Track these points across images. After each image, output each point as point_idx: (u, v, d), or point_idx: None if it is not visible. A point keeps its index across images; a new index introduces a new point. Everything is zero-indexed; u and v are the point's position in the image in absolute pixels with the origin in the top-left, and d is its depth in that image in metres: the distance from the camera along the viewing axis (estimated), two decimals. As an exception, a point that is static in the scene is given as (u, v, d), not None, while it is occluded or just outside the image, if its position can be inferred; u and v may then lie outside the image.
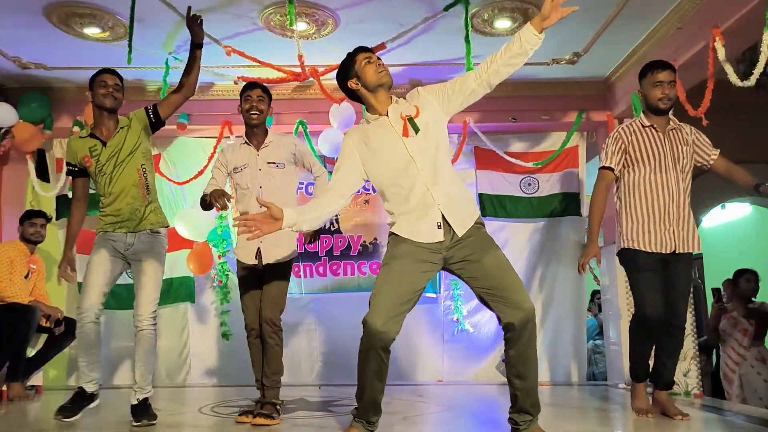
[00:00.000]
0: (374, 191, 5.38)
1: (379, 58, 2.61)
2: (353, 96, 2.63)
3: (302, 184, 5.34)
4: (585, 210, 5.37)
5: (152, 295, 3.09)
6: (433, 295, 5.26)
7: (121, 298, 5.23)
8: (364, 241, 5.34)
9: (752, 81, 3.38)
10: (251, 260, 3.22)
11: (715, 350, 5.44)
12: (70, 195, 4.98)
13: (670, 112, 3.17)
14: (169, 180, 5.30)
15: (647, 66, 3.15)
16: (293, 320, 5.33)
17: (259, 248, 3.20)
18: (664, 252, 3.06)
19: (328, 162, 5.31)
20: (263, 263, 3.21)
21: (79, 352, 3.08)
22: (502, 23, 4.21)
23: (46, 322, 4.34)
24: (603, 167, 3.20)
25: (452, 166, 2.64)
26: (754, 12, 3.39)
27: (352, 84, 2.57)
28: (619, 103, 5.04)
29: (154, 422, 3.03)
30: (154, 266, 3.11)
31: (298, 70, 4.25)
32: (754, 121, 5.48)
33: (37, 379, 4.62)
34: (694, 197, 3.23)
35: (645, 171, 3.09)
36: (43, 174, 5.21)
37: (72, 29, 4.20)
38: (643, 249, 3.07)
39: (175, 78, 4.63)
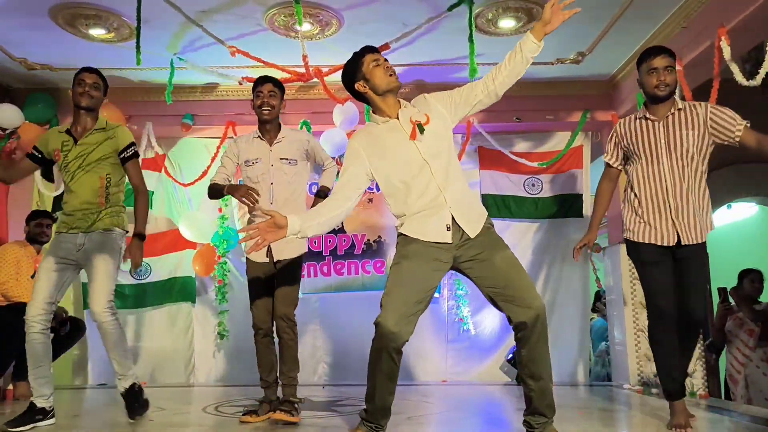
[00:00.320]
0: (378, 190, 5.39)
1: (386, 60, 2.58)
2: (360, 97, 2.59)
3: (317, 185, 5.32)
4: (588, 210, 5.36)
5: (104, 287, 2.99)
6: (437, 295, 5.26)
7: (123, 297, 5.27)
8: (368, 240, 5.34)
9: (758, 80, 3.36)
10: (262, 258, 3.22)
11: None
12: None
13: (673, 96, 2.98)
14: (175, 181, 5.32)
15: (642, 53, 3.02)
16: (297, 320, 5.34)
17: (269, 245, 3.21)
18: (665, 245, 2.93)
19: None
20: (274, 260, 3.21)
21: (29, 366, 2.98)
22: (507, 23, 4.20)
23: (51, 322, 4.35)
24: (605, 163, 3.21)
25: (462, 171, 2.64)
26: (759, 11, 3.38)
27: (359, 86, 2.53)
28: (624, 102, 5.02)
29: (147, 409, 3.06)
30: (104, 260, 3.01)
31: (302, 70, 4.26)
32: (760, 120, 5.43)
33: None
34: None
35: (639, 163, 3.00)
36: (48, 174, 5.24)
37: (78, 30, 4.22)
38: (643, 241, 2.97)
39: (177, 78, 4.68)
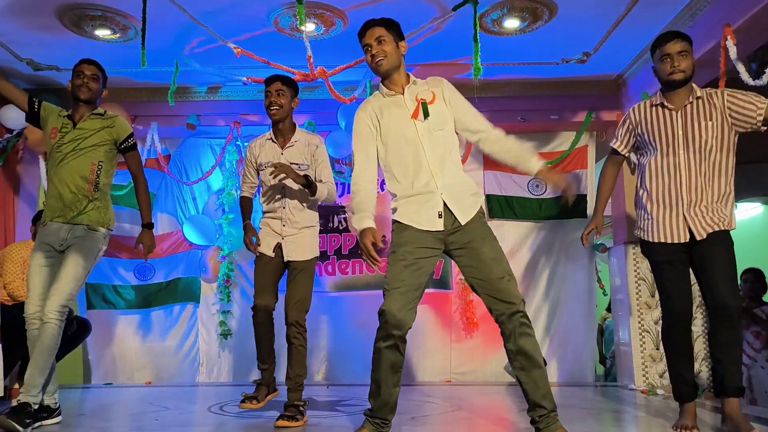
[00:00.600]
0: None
1: (380, 41, 2.58)
2: None
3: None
4: (592, 211, 5.35)
5: (65, 287, 2.91)
6: (447, 292, 5.26)
7: (128, 298, 5.29)
8: (380, 240, 5.33)
9: (765, 80, 3.35)
10: (269, 252, 3.23)
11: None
12: None
13: (691, 83, 2.82)
14: (179, 180, 5.34)
15: (655, 39, 2.87)
16: (302, 319, 5.37)
17: (279, 243, 3.21)
18: (676, 241, 2.78)
19: (335, 162, 5.33)
20: (285, 259, 3.21)
21: (29, 362, 2.90)
22: (512, 23, 4.19)
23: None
24: (611, 148, 3.06)
25: (460, 163, 2.66)
26: (766, 10, 3.36)
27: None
28: (629, 102, 5.00)
29: (21, 429, 2.68)
30: (75, 259, 2.96)
31: (307, 70, 4.26)
32: (767, 120, 5.41)
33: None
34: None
35: (654, 154, 2.83)
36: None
37: (84, 31, 4.24)
38: (653, 240, 2.83)
39: (183, 79, 4.69)
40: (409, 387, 4.74)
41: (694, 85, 2.83)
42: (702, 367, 4.62)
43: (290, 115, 3.26)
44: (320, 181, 3.27)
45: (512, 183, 5.38)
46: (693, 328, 4.70)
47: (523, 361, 2.43)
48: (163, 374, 5.29)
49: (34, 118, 3.14)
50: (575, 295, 5.28)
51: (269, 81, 3.23)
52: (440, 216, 2.48)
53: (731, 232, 2.77)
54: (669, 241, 2.79)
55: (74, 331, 4.45)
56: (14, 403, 2.85)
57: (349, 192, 5.37)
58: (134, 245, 3.19)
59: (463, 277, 5.11)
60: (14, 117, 4.97)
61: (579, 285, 5.29)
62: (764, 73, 3.32)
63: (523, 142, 2.62)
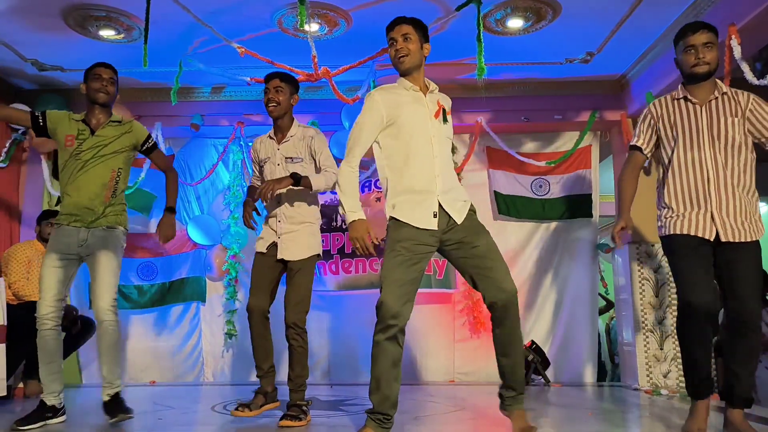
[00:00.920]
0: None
1: (406, 38, 2.62)
2: None
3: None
4: (596, 210, 5.34)
5: (109, 284, 2.99)
6: (450, 291, 5.25)
7: (131, 299, 5.30)
8: (376, 238, 5.34)
9: (769, 79, 3.33)
10: (263, 249, 3.22)
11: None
12: None
13: (714, 77, 2.71)
14: (182, 181, 5.35)
15: (679, 30, 2.73)
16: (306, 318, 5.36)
17: (275, 242, 3.21)
18: (703, 236, 2.60)
19: (339, 162, 5.33)
20: (278, 257, 3.19)
21: (40, 362, 2.98)
22: (515, 22, 4.19)
23: (63, 321, 4.39)
24: (631, 146, 2.85)
25: (454, 170, 2.80)
26: (770, 10, 3.35)
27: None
28: (633, 102, 5.00)
29: (130, 416, 2.96)
30: (108, 256, 3.02)
31: (311, 70, 4.27)
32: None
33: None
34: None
35: (676, 149, 2.68)
36: (57, 174, 5.29)
37: (88, 31, 4.26)
38: (676, 233, 2.64)
39: (186, 79, 4.71)
40: (413, 387, 4.75)
41: (718, 80, 2.73)
42: (672, 368, 4.63)
43: (289, 112, 3.27)
44: (324, 169, 3.20)
45: (516, 183, 5.38)
46: (661, 327, 4.75)
47: (506, 349, 2.58)
48: (167, 373, 5.30)
49: (42, 132, 3.13)
50: (578, 295, 5.28)
51: (268, 78, 3.26)
52: (435, 216, 2.57)
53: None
54: (692, 233, 2.62)
55: (79, 331, 4.48)
56: (105, 398, 2.97)
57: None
58: (154, 233, 3.20)
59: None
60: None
61: (582, 285, 5.28)
62: (769, 72, 3.30)
63: None
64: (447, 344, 5.28)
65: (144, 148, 3.20)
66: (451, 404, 3.92)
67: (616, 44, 4.48)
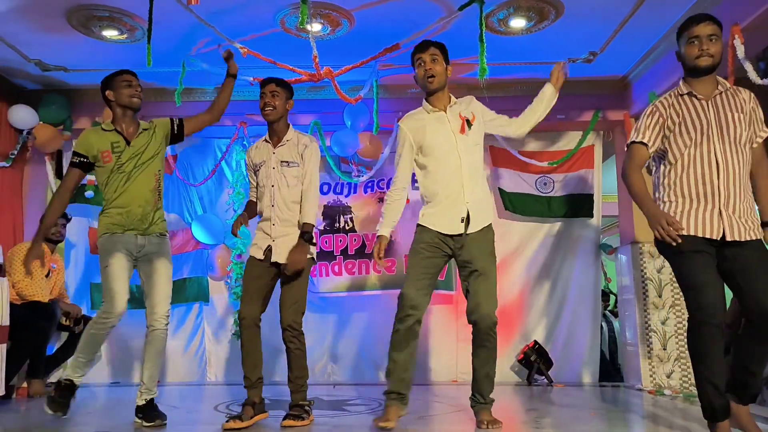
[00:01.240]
0: (388, 188, 5.37)
1: (434, 59, 2.98)
2: None
3: (329, 185, 5.35)
4: (598, 211, 5.33)
5: (167, 293, 3.11)
6: (451, 293, 5.25)
7: (133, 299, 5.30)
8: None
9: (772, 79, 3.32)
10: (259, 255, 3.20)
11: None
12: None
13: (715, 73, 2.64)
14: (185, 182, 5.36)
15: (683, 22, 2.66)
16: (308, 319, 5.34)
17: (270, 246, 3.19)
18: (709, 237, 2.51)
19: (342, 162, 5.34)
20: (272, 261, 3.17)
21: (83, 349, 3.08)
22: (518, 22, 4.19)
23: (66, 321, 4.41)
24: (634, 142, 2.70)
25: (485, 179, 3.16)
26: (774, 9, 3.34)
27: (414, 77, 3.07)
28: (636, 102, 4.99)
29: (165, 422, 3.02)
30: (166, 265, 3.13)
31: (314, 70, 4.27)
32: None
33: (56, 376, 4.70)
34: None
35: (684, 144, 2.59)
36: (61, 174, 5.30)
37: (91, 32, 4.26)
38: (682, 233, 2.52)
39: (189, 79, 4.72)
40: (416, 386, 4.71)
41: (719, 77, 2.67)
42: (675, 368, 4.64)
43: (285, 116, 3.28)
44: (305, 192, 3.21)
45: (520, 180, 5.37)
46: (664, 327, 4.75)
47: (477, 363, 2.99)
48: (171, 374, 5.30)
49: (91, 166, 3.13)
50: (580, 294, 5.27)
51: (264, 83, 3.27)
52: (462, 221, 2.94)
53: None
54: (700, 234, 2.52)
55: (81, 330, 4.48)
56: (141, 402, 3.03)
57: (355, 192, 5.39)
58: None
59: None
60: (21, 117, 5.01)
61: (584, 284, 5.27)
62: (772, 72, 3.29)
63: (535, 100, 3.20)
64: (450, 344, 5.27)
65: (176, 131, 3.21)
66: (453, 404, 3.91)
67: (618, 44, 4.47)
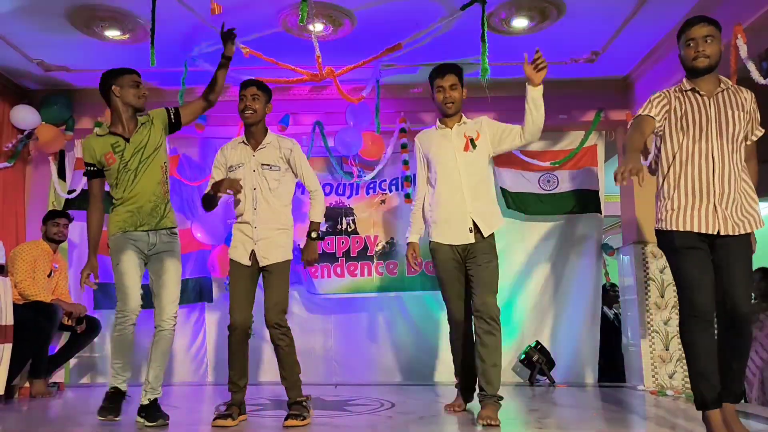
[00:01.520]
0: (390, 191, 5.40)
1: (453, 87, 3.28)
2: None
3: (330, 186, 5.36)
4: (603, 209, 5.32)
5: (176, 294, 3.10)
6: None
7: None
8: (381, 242, 5.34)
9: (776, 78, 3.31)
10: (245, 261, 3.19)
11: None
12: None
13: (716, 72, 2.68)
14: (186, 182, 5.36)
15: (682, 25, 2.72)
16: (310, 320, 5.37)
17: (253, 250, 3.17)
18: (704, 232, 2.57)
19: (344, 162, 5.33)
20: (260, 265, 3.17)
21: (114, 355, 3.09)
22: (520, 22, 4.18)
23: (68, 321, 4.41)
24: (641, 115, 2.70)
25: (493, 192, 3.40)
26: (777, 9, 3.33)
27: (432, 98, 3.37)
28: (638, 101, 4.98)
29: (168, 422, 3.01)
30: (175, 265, 3.12)
31: (316, 70, 4.27)
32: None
33: (58, 376, 4.71)
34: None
35: (684, 139, 2.63)
36: (64, 174, 5.30)
37: (93, 32, 4.27)
38: (676, 229, 2.59)
39: (191, 79, 4.71)
40: (419, 387, 4.74)
41: (721, 76, 2.71)
42: (677, 368, 4.66)
43: (263, 120, 3.28)
44: (305, 186, 3.32)
45: (523, 180, 5.35)
46: (666, 328, 4.73)
47: (489, 352, 3.09)
48: (172, 374, 5.30)
49: (98, 174, 3.12)
50: (582, 293, 5.25)
51: (244, 85, 3.26)
52: (471, 231, 3.22)
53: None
54: (696, 230, 2.58)
55: (84, 330, 4.49)
56: (145, 402, 3.02)
57: (357, 193, 5.38)
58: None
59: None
60: (23, 118, 5.02)
61: (585, 284, 5.25)
62: (775, 71, 3.28)
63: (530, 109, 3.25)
64: (452, 344, 5.27)
65: (174, 119, 3.17)
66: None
67: (621, 44, 4.47)
